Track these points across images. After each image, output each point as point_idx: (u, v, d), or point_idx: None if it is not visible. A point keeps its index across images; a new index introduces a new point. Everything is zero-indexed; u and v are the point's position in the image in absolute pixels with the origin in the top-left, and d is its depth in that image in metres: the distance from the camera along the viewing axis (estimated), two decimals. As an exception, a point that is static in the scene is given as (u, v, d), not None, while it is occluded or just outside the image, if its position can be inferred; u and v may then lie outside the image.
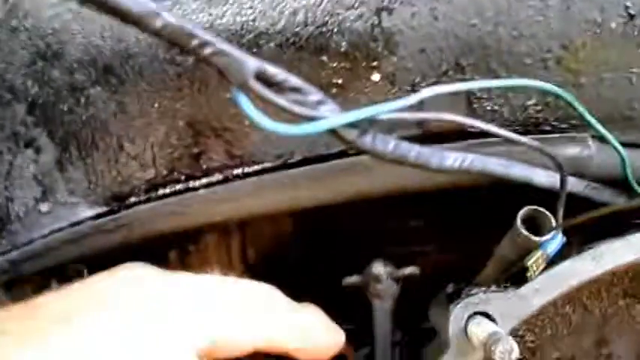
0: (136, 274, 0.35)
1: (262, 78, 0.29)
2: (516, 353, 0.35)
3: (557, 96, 0.39)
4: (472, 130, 0.46)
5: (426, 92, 0.35)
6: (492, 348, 0.35)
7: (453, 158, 0.39)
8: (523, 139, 0.37)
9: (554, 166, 0.40)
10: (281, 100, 0.30)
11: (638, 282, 0.52)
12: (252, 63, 0.29)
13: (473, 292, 0.43)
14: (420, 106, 0.44)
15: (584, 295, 0.53)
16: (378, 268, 0.50)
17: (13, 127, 0.48)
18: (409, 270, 0.56)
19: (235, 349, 0.35)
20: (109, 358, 0.29)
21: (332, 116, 0.31)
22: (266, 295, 0.39)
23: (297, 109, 0.30)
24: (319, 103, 0.32)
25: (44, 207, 0.49)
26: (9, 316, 0.30)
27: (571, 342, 0.57)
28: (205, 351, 0.33)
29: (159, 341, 0.31)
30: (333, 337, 0.41)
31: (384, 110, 0.32)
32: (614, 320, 0.56)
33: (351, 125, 0.34)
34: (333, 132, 0.33)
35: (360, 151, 0.35)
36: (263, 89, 0.29)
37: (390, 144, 0.36)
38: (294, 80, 0.30)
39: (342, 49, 0.43)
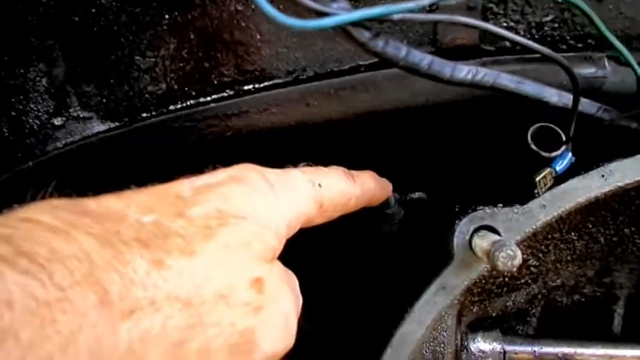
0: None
1: (275, -32, 0.29)
2: (519, 259, 0.36)
3: (577, 7, 0.38)
4: (485, 49, 0.46)
5: (440, -5, 0.34)
6: (496, 254, 0.36)
7: (465, 70, 0.39)
8: (540, 47, 0.36)
9: (570, 81, 0.39)
10: (293, -7, 0.29)
11: (645, 209, 0.52)
12: (264, -48, 0.28)
13: (479, 208, 0.43)
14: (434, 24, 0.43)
15: (589, 222, 0.53)
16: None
17: (25, 38, 0.47)
18: (417, 195, 0.57)
19: (338, 197, 0.39)
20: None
21: (344, 13, 0.31)
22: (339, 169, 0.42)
23: (309, 3, 0.30)
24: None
25: (57, 121, 0.50)
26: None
27: (574, 269, 0.58)
28: (319, 195, 0.38)
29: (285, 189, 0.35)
30: (386, 189, 0.47)
31: (397, 9, 0.32)
32: (618, 249, 0.56)
33: (364, 27, 0.33)
34: (345, 31, 0.32)
35: (372, 54, 0.34)
36: (275, -21, 0.29)
37: (402, 50, 0.36)
38: (307, -27, 0.30)
39: (356, -43, 0.42)
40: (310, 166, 0.45)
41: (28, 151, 0.50)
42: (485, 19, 0.45)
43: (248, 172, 0.35)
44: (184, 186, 0.32)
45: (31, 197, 0.49)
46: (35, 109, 0.49)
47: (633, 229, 0.54)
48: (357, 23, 0.32)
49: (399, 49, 0.35)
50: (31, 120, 0.50)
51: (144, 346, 0.27)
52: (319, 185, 0.38)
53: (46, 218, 0.27)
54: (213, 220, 0.31)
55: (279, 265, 0.34)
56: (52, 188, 0.52)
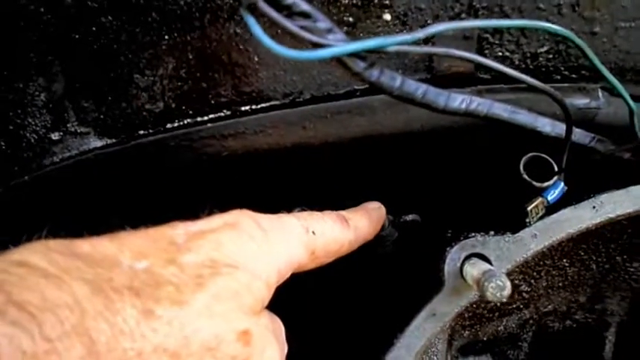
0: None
1: (272, 0, 0.29)
2: (508, 290, 0.36)
3: (569, 40, 0.38)
4: (480, 77, 0.46)
5: (436, 27, 0.34)
6: (485, 284, 0.36)
7: (460, 100, 0.39)
8: (533, 80, 0.37)
9: (562, 111, 0.40)
10: (290, 24, 0.30)
11: (636, 238, 0.52)
12: (262, -16, 0.29)
13: (470, 235, 0.44)
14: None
15: (581, 250, 0.54)
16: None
17: (25, 53, 0.48)
18: (411, 217, 0.57)
19: (331, 245, 0.40)
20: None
21: (340, 44, 0.31)
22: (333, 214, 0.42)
23: (305, 34, 0.30)
24: (328, 31, 0.32)
25: (55, 135, 0.50)
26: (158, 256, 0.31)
27: (566, 295, 0.58)
28: (312, 243, 0.38)
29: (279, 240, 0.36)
30: (380, 221, 0.46)
31: (393, 42, 0.32)
32: (610, 276, 0.56)
33: (360, 57, 0.34)
34: (340, 61, 0.33)
35: (367, 84, 0.35)
36: (272, 11, 0.29)
37: (397, 80, 0.36)
38: (304, 5, 0.30)
39: (355, -14, 0.42)
40: (304, 210, 0.45)
41: (24, 165, 0.50)
42: (481, 48, 0.45)
43: (242, 218, 0.35)
44: (178, 231, 0.32)
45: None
46: (33, 123, 0.50)
47: (625, 256, 0.55)
48: (353, 54, 0.33)
49: (394, 79, 0.36)
50: (28, 134, 0.50)
51: None
52: (313, 232, 0.38)
53: (40, 262, 0.27)
54: (205, 270, 0.31)
55: (265, 315, 0.35)
56: (48, 202, 0.52)
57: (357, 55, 0.33)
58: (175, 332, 0.28)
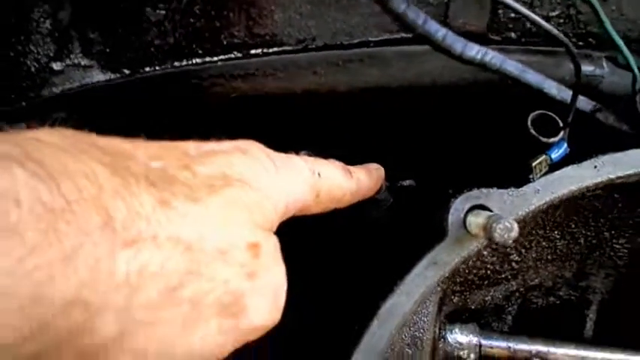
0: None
1: None
2: (516, 232, 0.36)
3: (588, 1, 0.40)
4: (491, 37, 0.47)
5: (463, -35, 0.35)
6: (493, 226, 0.37)
7: (476, 50, 0.40)
8: (553, 29, 0.37)
9: (574, 69, 0.41)
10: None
11: (625, 213, 0.54)
12: None
13: (474, 189, 0.44)
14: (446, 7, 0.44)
15: (572, 222, 0.55)
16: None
17: (33, -23, 0.47)
18: (407, 182, 0.58)
19: (335, 190, 0.40)
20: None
21: (373, -34, 0.32)
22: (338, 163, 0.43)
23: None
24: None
25: (57, 66, 0.49)
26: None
27: (553, 269, 0.59)
28: (318, 184, 0.38)
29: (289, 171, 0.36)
30: (379, 180, 0.47)
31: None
32: (597, 252, 0.58)
33: (388, -13, 0.34)
34: (371, -15, 0.33)
35: (393, 16, 0.35)
36: None
37: (420, 17, 0.36)
38: None
39: None
40: (311, 155, 0.45)
41: (22, 93, 0.49)
42: (495, 10, 0.46)
43: (254, 147, 0.35)
44: (191, 146, 0.32)
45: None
46: (35, 51, 0.48)
47: (613, 232, 0.56)
48: (384, -20, 0.33)
49: (418, 16, 0.36)
50: (29, 62, 0.48)
51: (140, 281, 0.26)
52: (319, 175, 0.38)
53: (57, 140, 0.26)
54: (217, 181, 0.31)
55: (275, 237, 0.34)
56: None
57: (387, -18, 0.34)
58: (189, 226, 0.28)
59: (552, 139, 0.43)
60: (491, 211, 0.42)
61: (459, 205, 0.43)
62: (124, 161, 0.28)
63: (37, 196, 0.23)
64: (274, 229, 0.34)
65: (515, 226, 0.36)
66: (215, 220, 0.30)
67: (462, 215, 0.43)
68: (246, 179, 0.32)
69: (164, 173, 0.29)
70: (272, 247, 0.33)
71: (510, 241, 0.37)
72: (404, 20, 0.35)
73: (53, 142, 0.26)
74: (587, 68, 0.47)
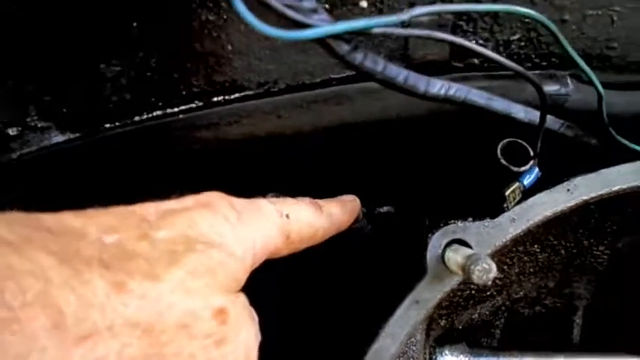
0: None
1: (257, -23, 0.28)
2: (494, 272, 0.36)
3: (542, 24, 0.39)
4: (454, 65, 0.46)
5: (419, 10, 0.34)
6: (472, 267, 0.36)
7: (439, 85, 0.39)
8: (511, 63, 0.37)
9: (539, 97, 0.40)
10: (275, 3, 0.29)
11: (602, 222, 0.54)
12: (246, -39, 0.28)
13: (449, 222, 0.44)
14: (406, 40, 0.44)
15: (551, 235, 0.55)
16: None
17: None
18: (385, 209, 0.57)
19: (305, 229, 0.39)
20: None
21: (325, 25, 0.31)
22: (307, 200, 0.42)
23: (291, 13, 0.30)
24: (313, 11, 0.31)
25: (12, 131, 0.47)
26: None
27: (536, 281, 0.59)
28: (287, 227, 0.37)
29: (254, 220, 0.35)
30: (354, 212, 0.46)
31: (378, 23, 0.32)
32: (577, 260, 0.58)
33: (344, 40, 0.33)
34: (324, 43, 0.32)
35: (350, 68, 0.34)
36: (257, -11, 0.28)
37: (380, 64, 0.36)
38: (289, -17, 0.29)
39: (331, -29, 0.42)
40: (278, 197, 0.44)
41: (-22, 162, 0.47)
42: (455, 35, 0.46)
43: (215, 198, 0.34)
44: (149, 209, 0.31)
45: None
46: (-12, 117, 0.47)
47: (592, 240, 0.56)
48: (337, 36, 0.32)
49: (377, 63, 0.35)
50: (-18, 129, 0.47)
51: None
52: (287, 216, 0.37)
53: (3, 232, 0.25)
54: (179, 246, 0.30)
55: (242, 296, 0.33)
56: (6, 201, 0.49)
57: (341, 37, 0.33)
58: (148, 307, 0.27)
59: (523, 168, 0.42)
60: (469, 245, 0.42)
61: (436, 242, 0.42)
62: (75, 243, 0.27)
63: None
64: (242, 283, 0.33)
65: (494, 266, 0.36)
66: (176, 295, 0.28)
67: (440, 251, 0.42)
68: (209, 239, 0.31)
69: (119, 249, 0.28)
70: (240, 307, 0.32)
71: (489, 282, 0.36)
72: (363, 70, 0.35)
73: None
74: (551, 88, 0.46)
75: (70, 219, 0.28)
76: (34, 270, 0.24)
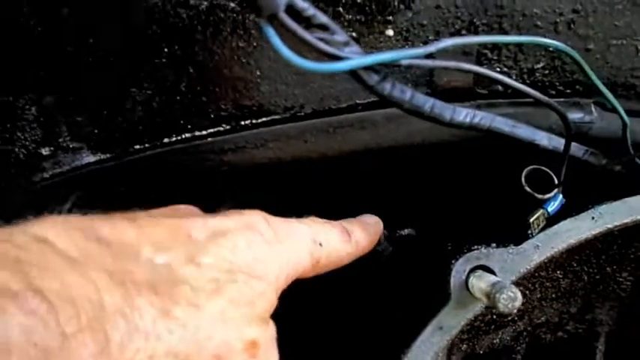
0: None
1: (292, 12, 0.29)
2: (519, 301, 0.36)
3: (567, 54, 0.40)
4: (478, 92, 0.47)
5: (445, 42, 0.35)
6: (497, 296, 0.36)
7: (464, 113, 0.40)
8: (535, 92, 0.37)
9: (563, 124, 0.41)
10: (309, 36, 0.30)
11: (626, 249, 0.54)
12: (282, -4, 0.29)
13: (473, 248, 0.44)
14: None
15: (574, 262, 0.55)
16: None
17: (16, 66, 0.46)
18: (407, 231, 0.57)
19: (333, 256, 0.40)
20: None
21: (356, 57, 0.32)
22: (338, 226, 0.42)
23: (323, 46, 0.30)
24: (345, 43, 0.32)
25: (45, 150, 0.48)
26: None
27: (558, 306, 0.59)
28: (318, 253, 0.38)
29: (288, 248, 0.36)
30: (377, 234, 0.46)
31: (406, 55, 0.33)
32: (600, 286, 0.58)
33: (374, 71, 0.34)
34: (355, 74, 0.33)
35: (379, 97, 0.35)
36: (292, 23, 0.29)
37: (407, 93, 0.36)
38: (323, 17, 0.30)
39: (358, 1, 0.43)
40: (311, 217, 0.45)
41: (12, 181, 0.48)
42: (480, 64, 0.46)
43: (257, 218, 0.35)
44: (197, 224, 0.32)
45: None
46: (22, 137, 0.48)
47: (615, 267, 0.56)
48: (367, 67, 0.33)
49: (405, 93, 0.36)
50: (17, 149, 0.48)
51: None
52: (320, 244, 0.38)
53: (61, 241, 0.26)
54: (222, 274, 0.31)
55: (272, 326, 0.35)
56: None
57: (371, 68, 0.34)
58: (189, 336, 0.28)
59: (547, 195, 0.42)
60: (492, 271, 0.42)
61: (460, 268, 0.43)
62: (129, 264, 0.28)
63: (28, 339, 0.22)
64: (274, 308, 0.34)
65: (519, 295, 0.36)
66: (215, 324, 0.30)
67: (464, 277, 0.42)
68: (251, 269, 0.32)
69: (168, 272, 0.29)
70: (269, 339, 0.33)
71: (515, 310, 0.36)
72: (392, 100, 0.35)
73: (57, 246, 0.26)
74: (575, 115, 0.47)
75: (124, 228, 0.29)
76: (90, 293, 0.25)
